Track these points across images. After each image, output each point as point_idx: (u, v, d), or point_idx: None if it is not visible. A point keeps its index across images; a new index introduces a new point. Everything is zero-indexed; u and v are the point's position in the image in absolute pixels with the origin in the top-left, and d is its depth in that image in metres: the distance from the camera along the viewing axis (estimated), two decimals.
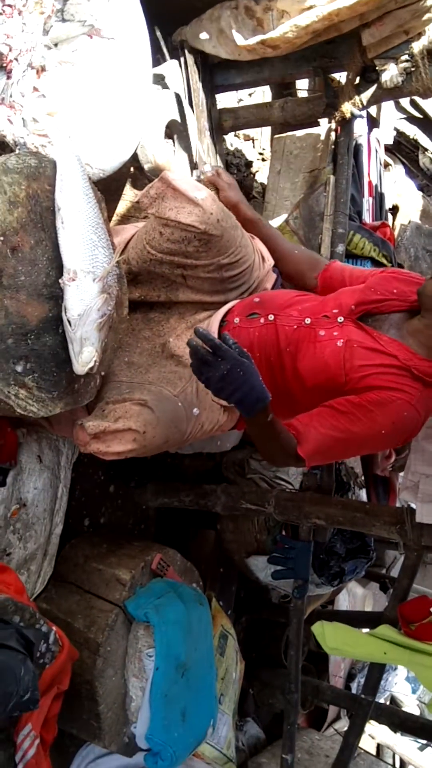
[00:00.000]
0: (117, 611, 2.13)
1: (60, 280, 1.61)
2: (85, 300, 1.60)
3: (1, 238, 1.51)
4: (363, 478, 2.94)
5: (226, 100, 2.87)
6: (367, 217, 2.76)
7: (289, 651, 2.59)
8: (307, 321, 1.81)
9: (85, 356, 1.62)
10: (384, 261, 2.66)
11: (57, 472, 2.23)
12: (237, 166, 2.99)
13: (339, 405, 1.70)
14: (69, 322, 1.60)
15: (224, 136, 2.98)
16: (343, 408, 1.70)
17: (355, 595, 3.97)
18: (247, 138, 3.07)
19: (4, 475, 2.03)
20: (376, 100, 2.27)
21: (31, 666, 1.59)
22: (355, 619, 3.06)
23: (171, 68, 2.28)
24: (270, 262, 2.06)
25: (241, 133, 3.06)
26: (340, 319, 1.78)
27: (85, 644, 2.08)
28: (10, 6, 1.77)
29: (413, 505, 2.14)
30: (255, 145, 3.11)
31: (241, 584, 3.17)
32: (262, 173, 3.09)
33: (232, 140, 3.02)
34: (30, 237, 1.58)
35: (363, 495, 2.96)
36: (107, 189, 2.15)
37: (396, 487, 2.99)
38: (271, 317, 1.86)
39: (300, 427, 1.71)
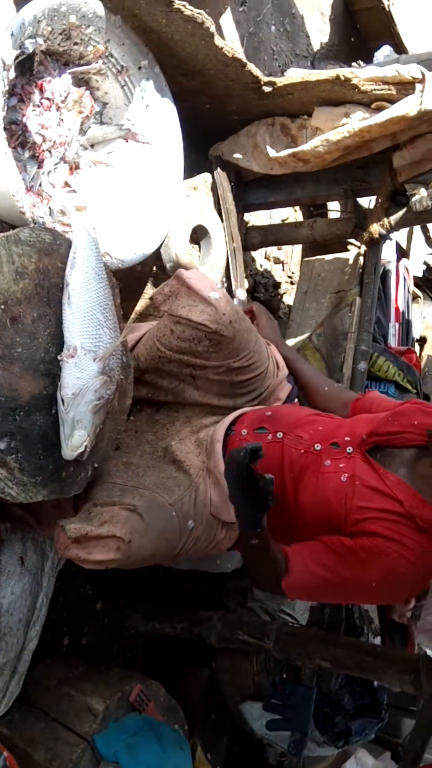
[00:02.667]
0: (84, 746, 1.86)
1: (58, 357, 1.53)
2: (82, 379, 1.51)
3: (2, 306, 1.45)
4: (378, 623, 2.67)
5: (254, 219, 2.93)
6: (393, 342, 2.70)
7: None
8: (317, 447, 1.68)
9: (75, 440, 1.51)
10: (408, 386, 2.56)
11: (39, 579, 2.04)
12: (265, 286, 3.00)
13: (332, 545, 1.56)
14: (62, 401, 1.51)
15: (254, 256, 3.01)
16: (336, 548, 1.55)
17: (365, 767, 3.50)
18: (277, 261, 3.11)
19: None
20: (405, 223, 2.27)
21: None
22: None
23: (204, 180, 2.33)
24: (285, 371, 1.98)
25: (271, 255, 3.10)
26: (349, 449, 1.65)
27: None
28: (48, 99, 1.83)
29: (431, 653, 1.89)
30: (284, 268, 3.14)
31: (235, 738, 2.80)
32: (289, 295, 3.10)
33: (262, 261, 3.05)
34: (33, 310, 1.52)
35: (377, 643, 2.67)
36: (128, 287, 2.14)
37: (414, 637, 2.69)
38: (279, 435, 1.73)
39: (290, 555, 1.58)
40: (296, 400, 2.03)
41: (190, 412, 1.95)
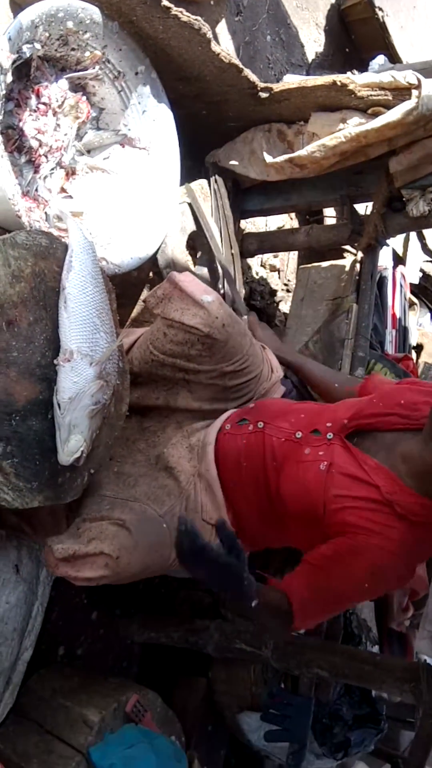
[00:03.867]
0: (79, 759, 1.83)
1: (55, 360, 1.51)
2: (78, 383, 1.50)
3: None
4: (376, 632, 2.64)
5: (250, 227, 2.92)
6: (390, 348, 2.70)
7: None
8: (298, 435, 1.67)
9: (72, 444, 1.49)
10: None
11: (34, 588, 2.01)
12: (261, 293, 2.99)
13: (315, 561, 1.56)
14: (59, 405, 1.49)
15: (250, 264, 3.01)
16: (321, 563, 1.54)
17: None
18: (273, 269, 3.10)
19: None
20: (401, 229, 2.27)
21: None
22: None
23: (200, 186, 2.32)
24: (279, 373, 1.98)
25: (267, 263, 3.10)
26: (330, 435, 1.63)
27: None
28: (45, 104, 1.82)
29: (430, 661, 1.86)
30: (280, 275, 3.14)
31: (232, 750, 2.77)
32: (285, 303, 3.09)
33: (258, 269, 3.05)
34: (29, 313, 1.50)
35: (375, 652, 2.64)
36: (124, 293, 2.13)
37: (413, 646, 2.67)
38: (260, 425, 1.73)
39: (286, 591, 1.56)
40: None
41: (181, 417, 1.93)
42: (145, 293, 2.23)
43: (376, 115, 1.98)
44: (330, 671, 1.96)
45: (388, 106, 2.00)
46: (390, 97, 2.00)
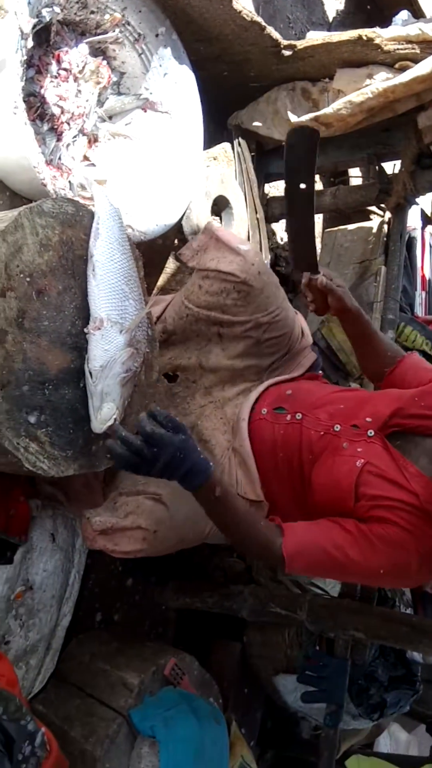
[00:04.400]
0: (120, 721, 1.86)
1: (85, 329, 1.51)
2: (109, 351, 1.49)
3: (28, 279, 1.43)
4: (409, 595, 2.64)
5: (274, 191, 2.87)
6: (420, 311, 2.66)
7: None
8: (337, 428, 1.59)
9: (104, 412, 1.49)
10: None
11: (71, 556, 2.04)
12: (286, 259, 2.95)
13: (346, 523, 1.49)
14: (90, 373, 1.49)
15: (275, 230, 2.96)
16: (350, 528, 1.48)
17: (398, 741, 3.49)
18: None
19: (12, 551, 1.85)
20: (431, 186, 2.22)
21: (8, 767, 1.35)
22: (398, 762, 2.65)
23: (223, 150, 2.28)
24: (309, 340, 1.95)
25: None
26: (371, 432, 1.56)
27: (80, 757, 1.80)
28: (65, 70, 1.79)
29: None
30: None
31: (268, 713, 2.81)
32: None
33: (282, 234, 3.00)
34: (58, 282, 1.50)
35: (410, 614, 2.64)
36: (150, 262, 2.11)
37: None
38: (298, 416, 1.67)
39: (293, 526, 1.50)
40: (320, 371, 2.01)
41: (209, 382, 1.92)
42: (170, 261, 2.21)
43: (403, 69, 1.93)
44: (366, 633, 1.97)
45: (415, 60, 1.94)
46: (418, 51, 1.94)
